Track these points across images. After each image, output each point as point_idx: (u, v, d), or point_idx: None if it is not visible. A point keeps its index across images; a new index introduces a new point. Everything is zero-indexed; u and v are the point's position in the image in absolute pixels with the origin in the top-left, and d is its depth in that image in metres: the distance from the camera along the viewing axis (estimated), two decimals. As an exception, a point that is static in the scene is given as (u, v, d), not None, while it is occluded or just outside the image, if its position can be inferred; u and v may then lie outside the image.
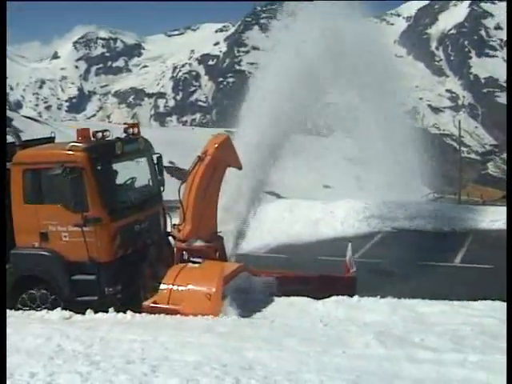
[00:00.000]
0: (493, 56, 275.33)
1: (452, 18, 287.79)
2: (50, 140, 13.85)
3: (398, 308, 11.21)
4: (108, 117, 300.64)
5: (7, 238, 12.14)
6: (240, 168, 13.38)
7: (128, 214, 12.51)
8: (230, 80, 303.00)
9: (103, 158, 12.22)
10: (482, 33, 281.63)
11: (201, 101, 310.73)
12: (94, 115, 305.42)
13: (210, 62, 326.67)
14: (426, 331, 9.67)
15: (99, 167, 11.96)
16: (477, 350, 8.68)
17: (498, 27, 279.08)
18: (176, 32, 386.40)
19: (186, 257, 12.62)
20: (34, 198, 12.08)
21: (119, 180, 12.93)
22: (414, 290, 13.29)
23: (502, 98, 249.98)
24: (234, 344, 9.24)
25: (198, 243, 12.54)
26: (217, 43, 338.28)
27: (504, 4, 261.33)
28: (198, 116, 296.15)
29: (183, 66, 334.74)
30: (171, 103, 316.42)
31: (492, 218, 21.21)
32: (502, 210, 22.36)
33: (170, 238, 13.43)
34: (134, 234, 12.54)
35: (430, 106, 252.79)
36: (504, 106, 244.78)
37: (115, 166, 12.71)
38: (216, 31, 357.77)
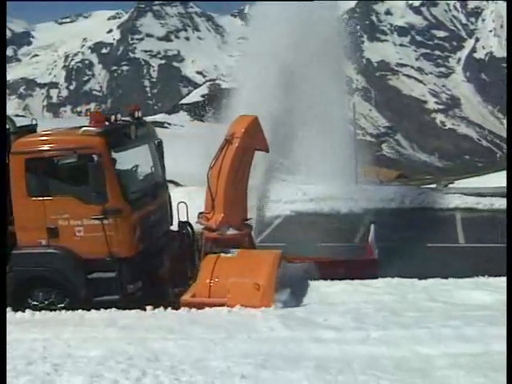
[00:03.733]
0: (384, 40, 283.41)
1: (343, 3, 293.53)
2: (33, 128, 12.35)
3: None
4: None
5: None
6: (267, 151, 12.67)
7: (144, 203, 11.51)
8: (125, 68, 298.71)
9: (119, 143, 11.08)
10: (373, 18, 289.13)
11: (95, 90, 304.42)
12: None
13: (104, 50, 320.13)
14: (329, 311, 9.82)
15: (116, 153, 10.86)
16: (379, 327, 8.90)
17: (387, 12, 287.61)
18: (67, 19, 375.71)
19: (207, 246, 11.70)
20: (40, 191, 10.75)
21: (126, 167, 11.83)
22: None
23: (394, 81, 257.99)
24: (139, 336, 9.09)
25: (231, 231, 11.74)
26: (110, 31, 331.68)
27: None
28: (92, 106, 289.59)
29: (76, 54, 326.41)
30: (64, 93, 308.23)
31: (388, 198, 21.81)
32: (397, 190, 23.08)
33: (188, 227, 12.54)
34: (149, 225, 11.59)
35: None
36: (396, 89, 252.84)
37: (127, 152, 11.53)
38: (109, 18, 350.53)
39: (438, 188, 31.69)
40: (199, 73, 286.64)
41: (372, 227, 13.54)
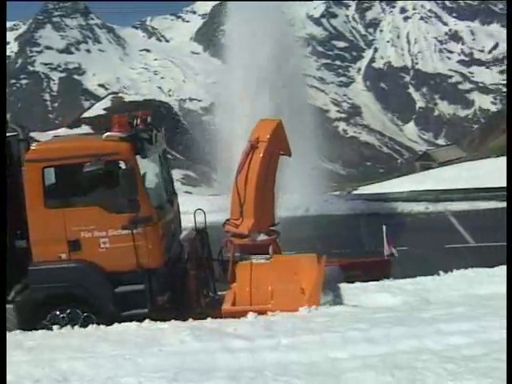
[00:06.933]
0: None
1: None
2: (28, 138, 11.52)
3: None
4: None
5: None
6: (290, 155, 12.40)
7: (165, 211, 11.02)
8: (24, 81, 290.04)
9: (144, 149, 10.43)
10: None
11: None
12: None
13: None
14: (239, 321, 9.86)
15: (142, 159, 10.33)
16: (288, 333, 8.98)
17: (288, 23, 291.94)
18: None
19: (236, 253, 11.42)
20: (60, 201, 10.11)
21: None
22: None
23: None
24: (46, 357, 8.80)
25: (261, 237, 11.51)
26: (7, 43, 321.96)
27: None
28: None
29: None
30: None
31: (294, 206, 22.05)
32: (303, 198, 23.35)
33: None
34: (171, 234, 11.18)
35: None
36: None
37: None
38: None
39: (342, 195, 32.42)
40: (101, 85, 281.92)
41: (384, 228, 13.59)
